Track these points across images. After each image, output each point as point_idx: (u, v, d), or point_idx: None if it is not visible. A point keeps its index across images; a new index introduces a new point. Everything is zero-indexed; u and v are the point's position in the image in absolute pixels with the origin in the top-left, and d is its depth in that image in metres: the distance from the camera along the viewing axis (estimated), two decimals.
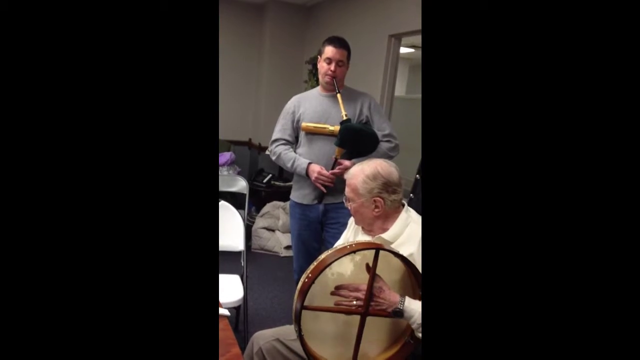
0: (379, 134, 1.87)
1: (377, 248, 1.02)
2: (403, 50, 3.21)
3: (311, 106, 1.91)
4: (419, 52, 5.71)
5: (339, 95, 1.82)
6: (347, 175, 1.29)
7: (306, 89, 2.80)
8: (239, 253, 2.13)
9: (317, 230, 1.97)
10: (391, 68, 3.04)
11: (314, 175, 1.82)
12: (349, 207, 1.29)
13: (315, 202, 1.90)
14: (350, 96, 1.90)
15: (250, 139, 4.50)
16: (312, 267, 1.02)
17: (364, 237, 1.31)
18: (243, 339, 1.88)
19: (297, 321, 1.03)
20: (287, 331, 1.28)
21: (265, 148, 3.87)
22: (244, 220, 2.17)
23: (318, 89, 1.98)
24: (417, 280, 1.09)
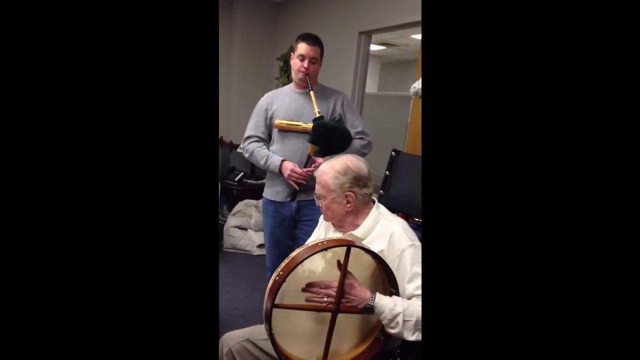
0: (352, 131, 1.87)
1: (349, 245, 1.02)
2: (374, 47, 3.23)
3: (284, 103, 1.90)
4: (391, 50, 5.77)
5: (312, 92, 1.81)
6: (317, 173, 1.28)
7: (277, 86, 2.78)
8: None
9: (290, 228, 1.95)
10: (362, 65, 3.05)
11: (286, 173, 1.81)
12: (320, 205, 1.28)
13: (289, 199, 1.88)
14: (324, 93, 1.90)
15: (221, 137, 4.43)
16: (283, 265, 1.01)
17: (335, 234, 1.31)
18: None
19: (268, 320, 1.02)
20: (258, 331, 1.27)
21: (237, 146, 3.82)
22: None
23: (291, 86, 1.96)
24: (387, 277, 1.10)
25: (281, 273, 0.99)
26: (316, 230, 1.46)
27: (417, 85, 1.92)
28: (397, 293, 1.10)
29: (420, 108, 1.97)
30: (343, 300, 1.05)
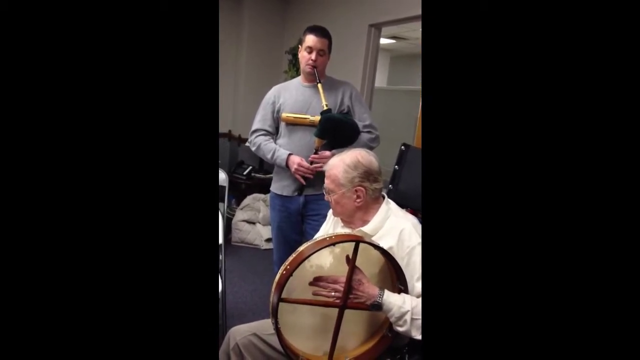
0: (360, 124, 1.85)
1: (357, 240, 1.00)
2: (384, 41, 3.19)
3: (292, 96, 1.88)
4: (400, 43, 5.71)
5: (319, 85, 1.79)
6: (327, 167, 1.26)
7: (286, 80, 2.76)
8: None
9: (297, 222, 1.94)
10: (371, 58, 3.02)
11: (293, 167, 1.79)
12: (329, 200, 1.26)
13: (296, 193, 1.87)
14: (332, 86, 1.88)
15: (230, 131, 4.43)
16: (290, 259, 1.00)
17: (343, 230, 1.29)
18: (222, 333, 1.86)
19: (274, 314, 1.01)
20: (265, 325, 1.26)
21: (246, 140, 3.81)
22: (223, 213, 2.13)
23: (299, 78, 1.94)
24: (396, 274, 1.08)
25: (288, 267, 0.98)
26: (324, 225, 1.44)
27: None
28: (406, 290, 1.08)
29: None
30: (351, 296, 1.03)
